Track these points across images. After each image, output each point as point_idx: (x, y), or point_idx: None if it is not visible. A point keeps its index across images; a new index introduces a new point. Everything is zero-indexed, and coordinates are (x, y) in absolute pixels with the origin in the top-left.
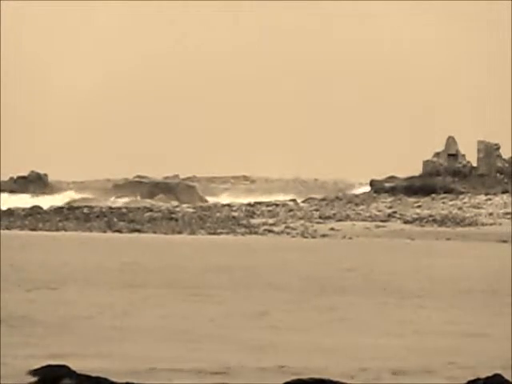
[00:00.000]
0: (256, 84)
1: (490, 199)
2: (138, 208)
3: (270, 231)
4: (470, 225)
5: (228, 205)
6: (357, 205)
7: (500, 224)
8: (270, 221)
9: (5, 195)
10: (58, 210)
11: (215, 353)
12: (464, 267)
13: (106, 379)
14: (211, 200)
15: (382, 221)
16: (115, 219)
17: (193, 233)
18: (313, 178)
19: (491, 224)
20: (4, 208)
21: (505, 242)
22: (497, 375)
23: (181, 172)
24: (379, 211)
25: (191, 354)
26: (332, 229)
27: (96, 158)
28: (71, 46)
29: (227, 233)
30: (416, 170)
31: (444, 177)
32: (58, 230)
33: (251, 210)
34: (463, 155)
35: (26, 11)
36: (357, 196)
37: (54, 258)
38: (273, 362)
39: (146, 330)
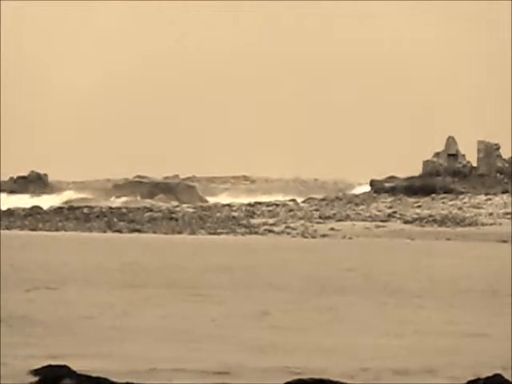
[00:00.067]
0: (256, 84)
1: (490, 199)
2: (138, 208)
3: (270, 231)
4: (470, 225)
5: (228, 205)
6: (357, 205)
7: (500, 224)
8: (270, 221)
9: (4, 195)
10: (57, 210)
11: (215, 353)
12: (464, 267)
13: (106, 379)
14: (211, 200)
15: (382, 221)
16: (115, 219)
17: (193, 233)
18: (313, 178)
19: (491, 224)
20: (4, 208)
21: (505, 242)
22: (497, 375)
23: (181, 172)
24: (379, 211)
25: (191, 354)
26: (332, 229)
27: (96, 158)
28: (71, 46)
29: (227, 233)
30: (416, 170)
31: (444, 177)
32: (57, 230)
33: (251, 209)
34: (463, 155)
35: (26, 11)
36: (357, 196)
37: (54, 258)
38: (273, 362)
39: (146, 330)
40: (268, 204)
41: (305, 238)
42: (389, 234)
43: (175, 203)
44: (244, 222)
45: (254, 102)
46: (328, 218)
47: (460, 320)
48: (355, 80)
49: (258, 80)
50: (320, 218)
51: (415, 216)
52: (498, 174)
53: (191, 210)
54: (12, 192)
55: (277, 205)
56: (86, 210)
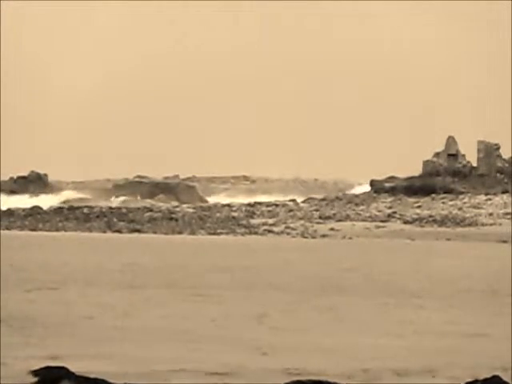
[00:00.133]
0: (256, 84)
1: (490, 199)
2: (138, 208)
3: (269, 231)
4: (470, 225)
5: (228, 205)
6: (357, 205)
7: (500, 224)
8: (270, 221)
9: (3, 195)
10: (57, 210)
11: (215, 353)
12: (464, 267)
13: (104, 381)
14: (211, 200)
15: (382, 221)
16: (115, 219)
17: (193, 233)
18: (313, 178)
19: (491, 224)
20: (4, 208)
21: (505, 242)
22: (495, 377)
23: (181, 172)
24: (379, 211)
25: (191, 354)
26: (332, 229)
27: (96, 158)
28: (71, 45)
29: (227, 233)
30: (416, 170)
31: (444, 177)
32: (57, 230)
33: (251, 210)
34: (463, 155)
35: (26, 11)
36: (357, 196)
37: (54, 258)
38: (273, 363)
39: (147, 331)
40: (268, 204)
41: (305, 238)
42: (389, 234)
43: (175, 203)
44: (244, 222)
45: (254, 102)
46: (328, 218)
47: (460, 320)
48: (355, 80)
49: (258, 80)
50: (320, 218)
51: (415, 216)
52: (498, 174)
53: (191, 210)
54: (12, 192)
55: (277, 205)
56: (85, 210)
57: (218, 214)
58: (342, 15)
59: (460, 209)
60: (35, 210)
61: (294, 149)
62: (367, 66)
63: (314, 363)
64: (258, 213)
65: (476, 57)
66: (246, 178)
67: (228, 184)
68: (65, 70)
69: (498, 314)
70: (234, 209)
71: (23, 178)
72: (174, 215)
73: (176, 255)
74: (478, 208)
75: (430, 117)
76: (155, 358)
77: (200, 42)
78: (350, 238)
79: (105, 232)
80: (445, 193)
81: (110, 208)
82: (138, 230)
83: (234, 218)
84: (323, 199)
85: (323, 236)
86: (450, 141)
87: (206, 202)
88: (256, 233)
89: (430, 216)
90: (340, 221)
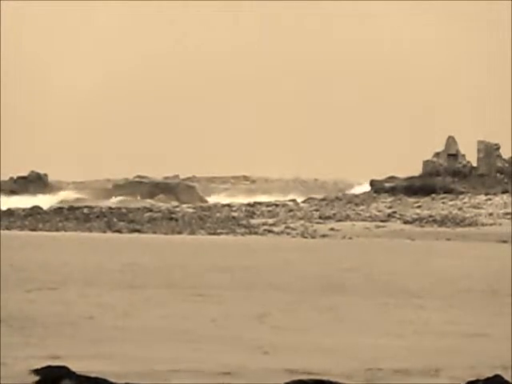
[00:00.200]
0: (256, 84)
1: (490, 199)
2: (138, 208)
3: (269, 231)
4: (470, 225)
5: (228, 205)
6: (357, 205)
7: (500, 224)
8: (270, 221)
9: (3, 195)
10: (57, 210)
11: (216, 353)
12: (464, 267)
13: (105, 380)
14: (211, 200)
15: (382, 221)
16: (115, 219)
17: (193, 233)
18: (313, 178)
19: (491, 224)
20: (4, 208)
21: (505, 242)
22: (496, 376)
23: (181, 172)
24: (379, 211)
25: (192, 354)
26: (332, 229)
27: (96, 158)
28: (71, 45)
29: (227, 233)
30: (416, 169)
31: (444, 177)
32: (57, 230)
33: (251, 210)
34: (463, 155)
35: (26, 11)
36: (357, 196)
37: (54, 258)
38: (273, 363)
39: (147, 331)
40: (268, 204)
41: (305, 238)
42: (389, 234)
43: (175, 203)
44: (244, 222)
45: (254, 102)
46: (328, 218)
47: (460, 320)
48: (355, 80)
49: (258, 80)
50: (320, 218)
51: (415, 216)
52: (498, 174)
53: (191, 210)
54: (12, 192)
55: (277, 205)
56: (85, 210)
57: (218, 214)
58: (341, 15)
59: (460, 209)
60: (35, 210)
61: (294, 149)
62: (367, 66)
63: (314, 363)
64: (258, 213)
65: (476, 57)
66: (245, 178)
67: (228, 184)
68: (65, 70)
69: (498, 314)
70: (234, 209)
71: (23, 178)
72: (173, 215)
73: (176, 255)
74: (478, 208)
75: (430, 117)
76: (155, 358)
77: (200, 42)
78: (350, 238)
79: (105, 232)
80: (445, 193)
81: (110, 208)
82: (138, 230)
83: (234, 217)
84: (323, 199)
85: (323, 236)
86: (450, 141)
87: (206, 202)
88: (256, 233)
89: (430, 216)
90: (340, 221)
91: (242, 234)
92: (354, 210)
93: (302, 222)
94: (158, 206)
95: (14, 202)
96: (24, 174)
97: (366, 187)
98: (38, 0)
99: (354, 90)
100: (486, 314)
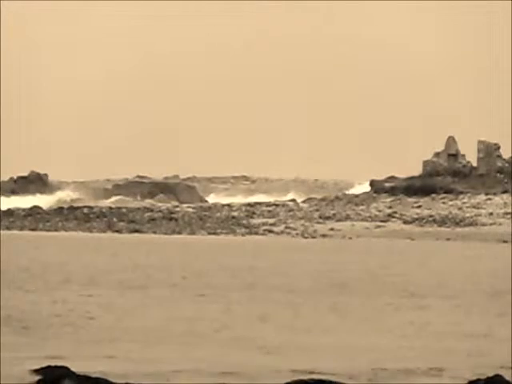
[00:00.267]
0: (256, 84)
1: (490, 199)
2: (138, 208)
3: (269, 231)
4: (470, 225)
5: (228, 205)
6: (357, 205)
7: (500, 224)
8: (270, 221)
9: (4, 195)
10: (57, 210)
11: (217, 353)
12: (464, 267)
13: (105, 380)
14: (211, 200)
15: (382, 221)
16: (115, 219)
17: (193, 233)
18: (313, 178)
19: (491, 224)
20: (4, 208)
21: (505, 242)
22: (497, 376)
23: (181, 172)
24: (379, 211)
25: (194, 354)
26: (332, 229)
27: (96, 158)
28: (71, 45)
29: (227, 233)
30: (416, 169)
31: (444, 177)
32: (57, 230)
33: (251, 210)
34: (463, 155)
35: (26, 11)
36: (357, 196)
37: (54, 258)
38: (274, 362)
39: (147, 331)
40: (268, 204)
41: (305, 238)
42: (389, 234)
43: (175, 203)
44: (244, 222)
45: (254, 103)
46: (328, 218)
47: (461, 320)
48: (355, 80)
49: (259, 80)
50: (320, 218)
51: (415, 216)
52: (498, 174)
53: (191, 210)
54: (12, 192)
55: (277, 205)
56: (85, 210)
57: (218, 214)
58: (342, 15)
59: (460, 209)
60: (35, 210)
61: (294, 149)
62: (367, 66)
63: (317, 363)
64: (258, 213)
65: (476, 57)
66: (245, 178)
67: (228, 184)
68: (65, 71)
69: (499, 314)
70: (234, 209)
71: (23, 178)
72: (173, 215)
73: (176, 255)
74: (478, 208)
75: (430, 117)
76: (157, 358)
77: (200, 42)
78: (350, 238)
79: (105, 232)
80: (445, 193)
81: (110, 208)
82: (138, 230)
83: (234, 217)
84: (323, 199)
85: (323, 236)
86: (450, 141)
87: (206, 202)
88: (256, 233)
89: (430, 216)
90: (340, 221)
91: (242, 234)
92: (353, 209)
93: (302, 221)
94: (158, 206)
95: (14, 202)
96: (24, 173)
97: (366, 187)
98: (38, 0)
99: (354, 91)
100: (487, 315)
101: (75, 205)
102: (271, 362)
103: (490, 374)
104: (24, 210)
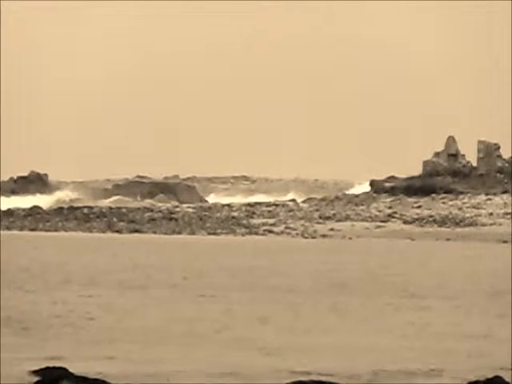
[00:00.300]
0: (256, 84)
1: (490, 199)
2: (138, 208)
3: (270, 231)
4: (470, 225)
5: (228, 205)
6: (357, 205)
7: (500, 224)
8: (270, 221)
9: (4, 195)
10: (57, 210)
11: (217, 353)
12: (464, 267)
13: (103, 381)
14: (211, 200)
15: (382, 221)
16: (115, 219)
17: (193, 233)
18: (313, 178)
19: (491, 224)
20: (4, 208)
21: (505, 242)
22: (497, 377)
23: (181, 172)
24: (379, 211)
25: (194, 354)
26: (332, 229)
27: (96, 158)
28: (71, 45)
29: (227, 233)
30: (416, 169)
31: (444, 177)
32: (57, 230)
33: (251, 210)
34: (463, 155)
35: (26, 11)
36: (357, 196)
37: (54, 258)
38: (274, 362)
39: (147, 331)
40: (268, 204)
41: (305, 239)
42: (389, 234)
43: (175, 203)
44: (244, 222)
45: (254, 103)
46: (328, 218)
47: (461, 320)
48: (355, 80)
49: (259, 81)
50: (320, 218)
51: (415, 216)
52: (498, 174)
53: (191, 210)
54: (12, 192)
55: (277, 205)
56: (85, 210)
57: (218, 214)
58: (342, 16)
59: (460, 209)
60: (35, 210)
61: (294, 149)
62: (367, 66)
63: (318, 364)
64: (258, 213)
65: (476, 57)
66: (245, 178)
67: (228, 184)
68: (65, 71)
69: (499, 315)
70: (234, 209)
71: (23, 178)
72: (173, 215)
73: (176, 255)
74: (478, 208)
75: (430, 117)
76: (157, 358)
77: (200, 42)
78: (350, 238)
79: (105, 232)
80: (445, 193)
81: (110, 208)
82: (138, 230)
83: (234, 217)
84: (323, 199)
85: (323, 236)
86: (450, 141)
87: (206, 202)
88: (256, 233)
89: (430, 216)
90: (340, 221)
91: (242, 234)
92: (353, 210)
93: (302, 222)
94: (158, 206)
95: (14, 202)
96: (24, 173)
97: (366, 187)
98: (39, 0)
99: (354, 91)
100: (487, 315)
101: (75, 205)
102: (271, 363)
103: (490, 375)
104: (24, 209)
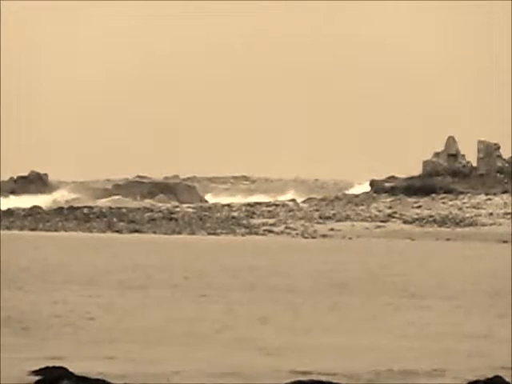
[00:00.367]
0: (256, 84)
1: (490, 199)
2: (138, 208)
3: (269, 231)
4: (469, 225)
5: (228, 205)
6: (357, 205)
7: (500, 224)
8: (270, 221)
9: (3, 195)
10: (57, 210)
11: (217, 353)
12: (464, 267)
13: (103, 381)
14: (211, 200)
15: (382, 221)
16: (115, 219)
17: (193, 233)
18: (313, 178)
19: (491, 224)
20: (4, 208)
21: (505, 242)
22: (497, 377)
23: (181, 172)
24: (379, 211)
25: (194, 354)
26: (332, 229)
27: (96, 158)
28: (71, 45)
29: (227, 233)
30: (416, 169)
31: (444, 177)
32: (57, 230)
33: (251, 210)
34: (463, 155)
35: (26, 11)
36: (357, 196)
37: (54, 258)
38: (275, 362)
39: (147, 331)
40: (268, 204)
41: (305, 239)
42: (389, 234)
43: (175, 203)
44: (244, 222)
45: (254, 103)
46: (328, 218)
47: (461, 320)
48: (355, 80)
49: (259, 81)
50: (320, 218)
51: (415, 216)
52: (498, 174)
53: (191, 210)
54: (12, 192)
55: (277, 205)
56: (85, 210)
57: (218, 214)
58: (342, 16)
59: (460, 209)
60: (35, 210)
61: (294, 149)
62: (367, 66)
63: (318, 364)
64: (258, 213)
65: (476, 57)
66: (245, 178)
67: (228, 184)
68: (65, 71)
69: (499, 315)
70: (234, 209)
71: (23, 177)
72: (173, 215)
73: (176, 255)
74: (478, 208)
75: (430, 117)
76: (157, 359)
77: (200, 42)
78: (350, 238)
79: (105, 232)
80: (445, 193)
81: (110, 208)
82: (138, 230)
83: (234, 217)
84: (323, 199)
85: (323, 236)
86: (450, 141)
87: (206, 202)
88: (256, 233)
89: (430, 216)
90: (340, 221)
91: (242, 234)
92: (353, 210)
93: (302, 222)
94: (158, 206)
95: (14, 202)
96: (24, 173)
97: (366, 187)
98: (39, 0)
99: (354, 91)
100: (487, 315)
101: (75, 205)
102: (271, 363)
103: (490, 375)
104: (24, 209)
